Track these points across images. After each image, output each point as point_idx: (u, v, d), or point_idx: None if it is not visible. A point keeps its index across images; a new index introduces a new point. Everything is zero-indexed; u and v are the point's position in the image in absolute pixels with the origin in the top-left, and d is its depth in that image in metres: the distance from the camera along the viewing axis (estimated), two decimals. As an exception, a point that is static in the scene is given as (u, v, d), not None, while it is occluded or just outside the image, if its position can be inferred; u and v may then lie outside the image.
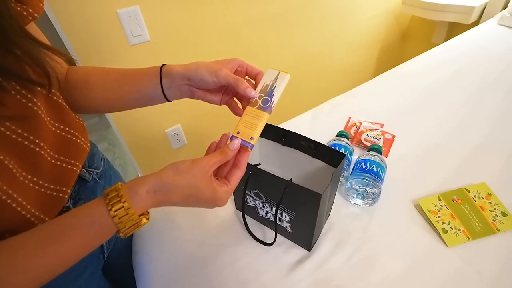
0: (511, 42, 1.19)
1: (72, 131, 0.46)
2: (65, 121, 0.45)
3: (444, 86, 0.98)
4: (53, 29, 0.91)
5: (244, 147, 0.41)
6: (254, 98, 0.43)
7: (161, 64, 0.48)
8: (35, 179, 0.39)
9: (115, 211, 0.33)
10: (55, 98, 0.43)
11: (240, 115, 0.45)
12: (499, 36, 1.24)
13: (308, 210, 0.48)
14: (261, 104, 0.43)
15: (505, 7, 1.47)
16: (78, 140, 0.48)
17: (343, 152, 0.67)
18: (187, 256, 0.60)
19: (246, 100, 0.45)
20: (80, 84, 0.49)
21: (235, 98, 0.49)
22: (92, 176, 0.54)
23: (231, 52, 1.32)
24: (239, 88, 0.42)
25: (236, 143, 0.41)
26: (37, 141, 0.38)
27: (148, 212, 0.37)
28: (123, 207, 0.33)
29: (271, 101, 0.43)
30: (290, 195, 0.48)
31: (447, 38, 1.82)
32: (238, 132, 0.42)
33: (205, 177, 0.37)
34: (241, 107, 0.47)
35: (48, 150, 0.40)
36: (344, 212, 0.63)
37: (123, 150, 1.37)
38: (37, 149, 0.38)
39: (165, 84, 0.47)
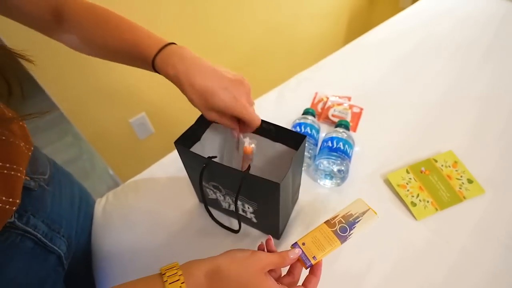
0: (475, 2, 1.17)
1: (8, 133, 0.40)
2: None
3: (411, 54, 0.95)
4: None
5: (302, 261, 0.39)
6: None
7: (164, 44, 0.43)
8: None
9: (170, 283, 0.32)
10: None
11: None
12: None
13: (270, 200, 0.44)
14: (338, 230, 0.40)
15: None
16: (17, 142, 0.41)
17: (308, 131, 0.64)
18: (149, 252, 0.56)
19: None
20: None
21: None
22: (38, 184, 0.47)
23: (189, 31, 1.22)
24: (251, 126, 0.46)
25: (297, 253, 0.38)
26: None
27: None
28: (180, 286, 0.33)
29: (348, 232, 0.40)
30: (249, 186, 0.44)
31: (413, 1, 1.79)
32: (303, 244, 0.40)
33: (259, 273, 0.36)
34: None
35: None
36: (312, 194, 0.60)
37: (88, 143, 1.29)
38: None
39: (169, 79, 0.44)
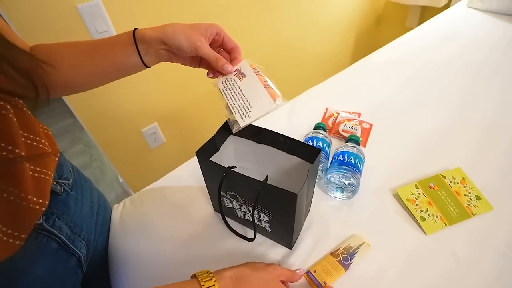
0: (480, 24, 1.21)
1: (40, 139, 0.43)
2: (31, 129, 0.41)
3: (418, 73, 0.98)
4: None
5: (313, 284, 0.48)
6: (231, 72, 0.44)
7: (133, 29, 0.44)
8: (16, 191, 0.35)
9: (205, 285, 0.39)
10: (19, 105, 0.39)
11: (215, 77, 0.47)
12: (469, 19, 1.26)
13: (286, 210, 0.46)
14: (341, 259, 0.51)
15: (474, -11, 1.49)
16: (46, 148, 0.44)
17: (320, 145, 0.66)
18: (164, 258, 0.58)
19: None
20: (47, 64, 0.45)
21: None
22: (63, 188, 0.50)
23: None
24: (216, 66, 0.43)
25: (302, 272, 0.49)
26: (17, 150, 0.35)
27: None
28: (214, 285, 0.39)
29: (350, 261, 0.51)
30: (266, 196, 0.46)
31: (420, 22, 1.84)
32: (315, 271, 0.50)
33: (277, 279, 0.45)
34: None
35: (24, 155, 0.37)
36: (324, 206, 0.62)
37: (100, 151, 1.32)
38: (18, 159, 0.35)
39: (141, 50, 0.44)
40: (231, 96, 0.43)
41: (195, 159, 0.75)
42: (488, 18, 1.24)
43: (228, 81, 0.44)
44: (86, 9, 0.93)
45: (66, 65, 0.45)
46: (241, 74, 0.44)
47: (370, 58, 1.09)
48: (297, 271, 0.48)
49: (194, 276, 0.42)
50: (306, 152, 0.51)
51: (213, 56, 0.43)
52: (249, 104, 0.41)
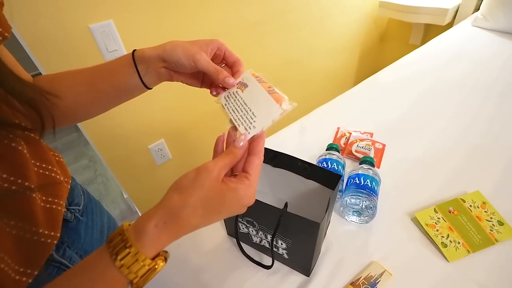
0: (487, 43, 1.22)
1: (52, 168, 0.42)
2: (44, 158, 0.41)
3: (428, 92, 0.98)
4: (19, 48, 0.85)
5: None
6: (233, 85, 0.41)
7: (132, 50, 0.43)
8: (27, 226, 0.34)
9: (121, 260, 0.27)
10: (32, 134, 0.39)
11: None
12: (475, 38, 1.27)
13: (306, 238, 0.45)
14: None
15: (476, 9, 1.51)
16: (58, 176, 0.43)
17: (335, 167, 0.65)
18: (177, 286, 0.56)
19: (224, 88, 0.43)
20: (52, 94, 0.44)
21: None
22: (74, 215, 0.49)
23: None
24: (217, 79, 0.40)
25: (243, 139, 0.35)
26: (26, 184, 0.34)
27: (166, 252, 0.31)
28: (129, 253, 0.27)
29: None
30: (286, 223, 0.45)
31: (424, 39, 1.86)
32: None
33: (216, 183, 0.31)
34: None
35: (37, 192, 0.36)
36: (340, 230, 0.60)
37: (104, 167, 1.31)
38: (28, 192, 0.34)
39: (141, 71, 0.42)
40: (234, 109, 0.39)
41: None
42: (494, 37, 1.25)
43: (230, 95, 0.41)
44: (98, 29, 0.95)
45: (68, 94, 0.43)
46: (243, 85, 0.41)
47: (379, 76, 1.10)
48: (236, 143, 0.35)
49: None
50: (325, 177, 0.50)
51: (213, 68, 0.40)
52: (253, 113, 0.37)
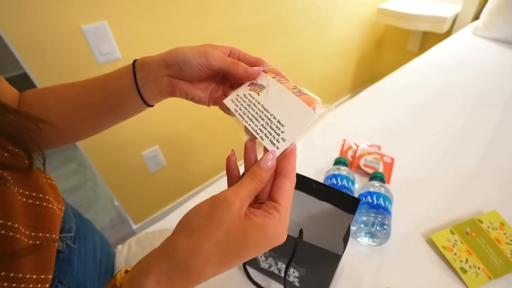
0: (489, 52, 1.21)
1: (43, 196, 0.37)
2: (34, 186, 0.36)
3: (435, 102, 0.96)
4: (1, 45, 0.79)
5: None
6: (258, 73, 0.34)
7: (134, 59, 0.37)
8: (11, 274, 0.29)
9: None
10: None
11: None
12: (476, 47, 1.26)
13: (323, 269, 0.41)
14: None
15: (475, 17, 1.51)
16: (50, 205, 0.38)
17: (345, 184, 0.62)
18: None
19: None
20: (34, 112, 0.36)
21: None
22: (65, 243, 0.43)
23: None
24: (238, 71, 0.33)
25: (271, 158, 0.27)
26: (9, 223, 0.29)
27: None
28: None
29: None
30: (301, 252, 0.41)
31: (421, 46, 1.86)
32: None
33: (238, 221, 0.23)
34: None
35: (23, 230, 0.31)
36: (352, 253, 0.57)
37: (94, 171, 1.24)
38: (11, 233, 0.29)
39: (140, 80, 0.36)
40: (251, 117, 0.31)
41: (208, 193, 0.69)
42: (495, 46, 1.25)
43: (240, 98, 0.34)
44: (91, 31, 0.89)
45: (55, 112, 0.38)
46: (257, 87, 0.33)
47: (382, 85, 1.07)
48: (262, 163, 0.27)
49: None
50: (342, 201, 0.46)
51: (230, 61, 0.34)
52: (278, 122, 0.30)
